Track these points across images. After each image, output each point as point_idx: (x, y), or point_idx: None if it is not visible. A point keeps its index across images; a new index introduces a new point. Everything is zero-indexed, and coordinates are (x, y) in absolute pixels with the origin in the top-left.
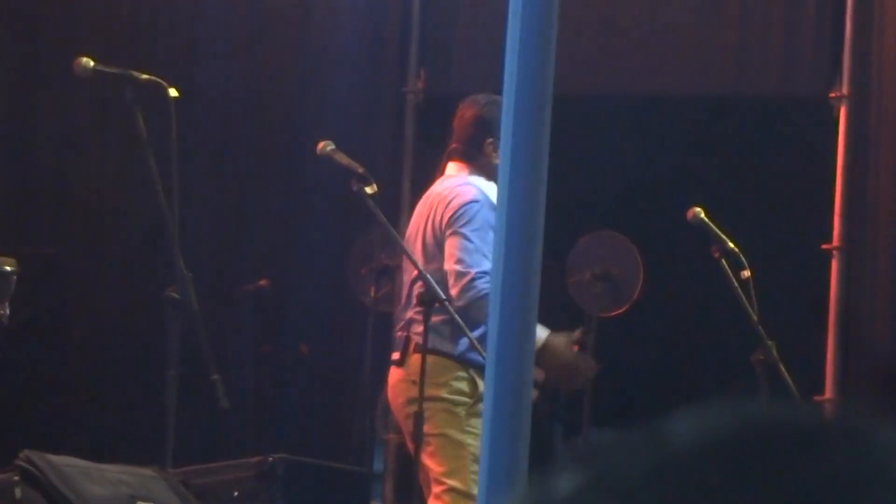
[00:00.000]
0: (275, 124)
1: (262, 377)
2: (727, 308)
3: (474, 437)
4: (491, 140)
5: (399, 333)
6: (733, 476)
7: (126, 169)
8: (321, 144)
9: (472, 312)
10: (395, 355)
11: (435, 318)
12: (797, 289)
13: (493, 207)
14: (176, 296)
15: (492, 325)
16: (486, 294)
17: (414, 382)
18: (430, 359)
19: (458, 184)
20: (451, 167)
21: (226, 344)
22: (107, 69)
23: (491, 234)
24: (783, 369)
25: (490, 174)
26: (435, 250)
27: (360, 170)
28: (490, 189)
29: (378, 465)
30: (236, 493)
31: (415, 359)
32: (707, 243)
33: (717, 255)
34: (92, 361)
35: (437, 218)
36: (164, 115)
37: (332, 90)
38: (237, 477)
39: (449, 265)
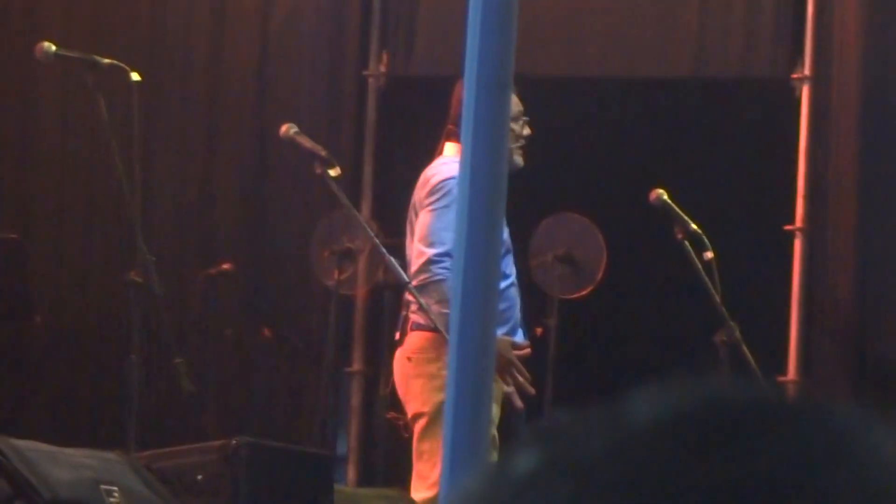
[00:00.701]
0: (237, 107)
1: (225, 361)
2: (690, 289)
3: None
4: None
5: (402, 313)
6: (691, 453)
7: (88, 153)
8: (284, 127)
9: (427, 294)
10: (397, 335)
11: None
12: (760, 270)
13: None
14: (139, 280)
15: (454, 307)
16: (440, 278)
17: (409, 359)
18: (425, 335)
19: (443, 162)
20: (448, 147)
21: (189, 328)
22: (68, 54)
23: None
24: (746, 350)
25: None
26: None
27: (323, 153)
28: None
29: (342, 448)
30: (200, 477)
31: (410, 336)
32: (670, 225)
33: (679, 236)
34: (55, 346)
35: (417, 196)
36: (126, 100)
37: (294, 73)
38: (200, 461)
39: (414, 243)
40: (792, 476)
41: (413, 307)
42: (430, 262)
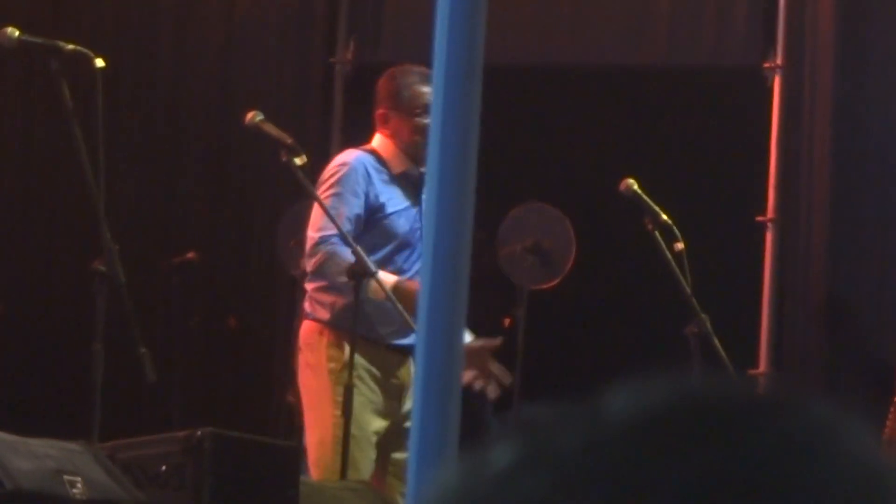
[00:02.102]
0: (202, 94)
1: (189, 351)
2: (660, 281)
3: (337, 405)
4: (381, 111)
5: None
6: (668, 448)
7: (51, 140)
8: (249, 115)
9: (326, 274)
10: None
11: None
12: (731, 261)
13: (365, 171)
14: (102, 269)
15: (422, 299)
16: (331, 251)
17: (300, 349)
18: (308, 324)
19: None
20: (375, 137)
21: (153, 317)
22: (32, 39)
23: (353, 199)
24: (717, 342)
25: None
26: None
27: (289, 141)
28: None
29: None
30: (163, 468)
31: (302, 326)
32: (640, 215)
33: (649, 227)
34: (17, 335)
35: None
36: (90, 86)
37: (259, 60)
38: (164, 451)
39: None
40: (767, 471)
41: (307, 296)
42: (317, 243)
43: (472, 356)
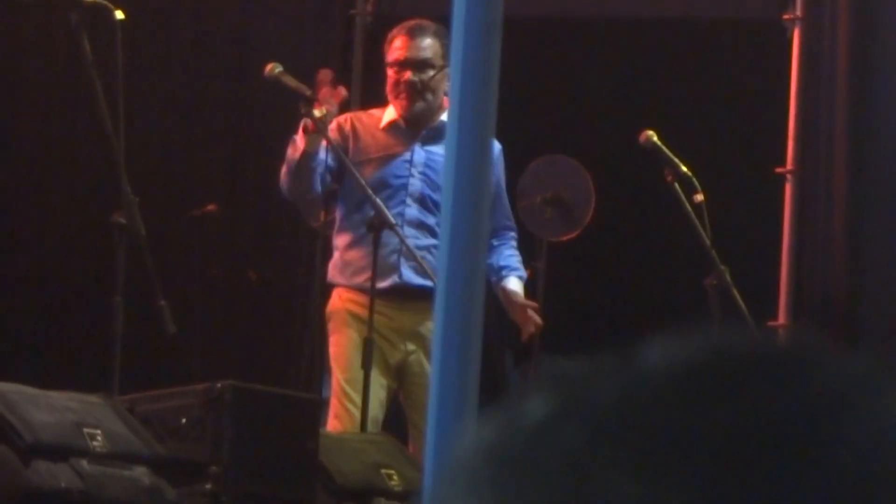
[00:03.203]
0: (221, 46)
1: (209, 303)
2: (680, 232)
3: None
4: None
5: None
6: (704, 401)
7: (71, 93)
8: (269, 66)
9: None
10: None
11: None
12: (750, 213)
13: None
14: (122, 221)
15: (441, 253)
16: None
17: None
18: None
19: None
20: None
21: (173, 270)
22: None
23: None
24: (736, 294)
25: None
26: None
27: (308, 92)
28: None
29: (326, 392)
30: (184, 420)
31: None
32: (659, 167)
33: (669, 178)
34: (38, 288)
35: None
36: (110, 38)
37: (279, 12)
38: (184, 404)
39: None
40: (804, 424)
41: None
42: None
43: (519, 310)
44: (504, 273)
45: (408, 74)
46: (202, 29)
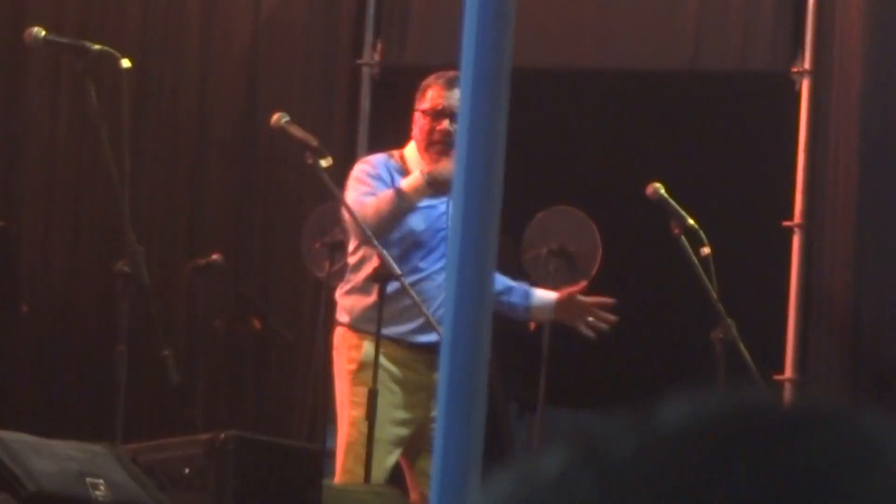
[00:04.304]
0: (228, 96)
1: (213, 353)
2: (686, 285)
3: (355, 405)
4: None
5: None
6: (718, 458)
7: (77, 141)
8: (275, 116)
9: (365, 224)
10: None
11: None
12: (757, 266)
13: (385, 170)
14: (127, 270)
15: (448, 303)
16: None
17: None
18: (338, 330)
19: None
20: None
21: (177, 319)
22: (58, 39)
23: (381, 186)
24: (742, 347)
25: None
26: None
27: (315, 143)
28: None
29: (330, 443)
30: (187, 471)
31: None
32: (666, 220)
33: (676, 231)
34: (42, 336)
35: None
36: (116, 87)
37: (286, 62)
38: (188, 454)
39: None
40: (816, 483)
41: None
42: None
43: (563, 307)
44: (515, 293)
45: (444, 124)
46: (208, 78)
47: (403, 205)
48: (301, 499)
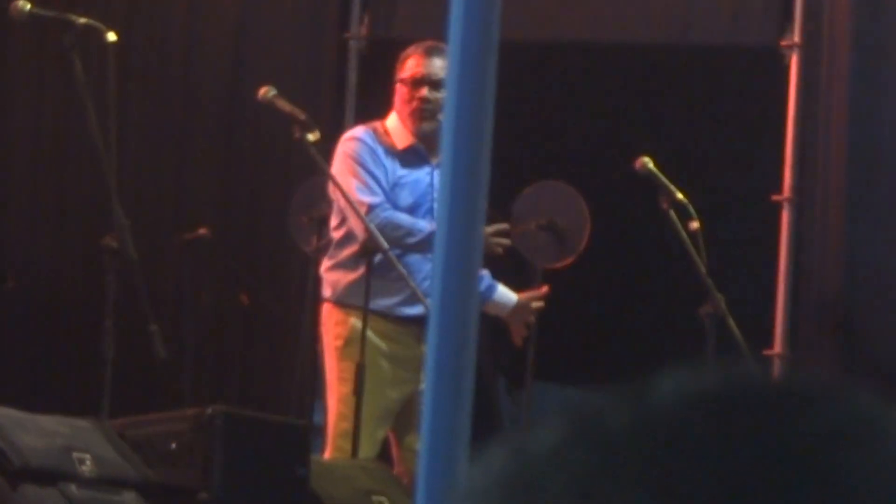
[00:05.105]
0: (214, 69)
1: (200, 328)
2: (675, 260)
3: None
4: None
5: None
6: (716, 432)
7: (63, 115)
8: (262, 90)
9: (388, 241)
10: None
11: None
12: (746, 241)
13: (371, 144)
14: (114, 244)
15: (435, 277)
16: (388, 218)
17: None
18: (325, 307)
19: None
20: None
21: (164, 294)
22: (43, 13)
23: (377, 169)
24: (732, 322)
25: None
26: None
27: (302, 116)
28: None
29: (318, 418)
30: (173, 445)
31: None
32: (655, 194)
33: (665, 205)
34: (28, 311)
35: None
36: (102, 60)
37: (273, 35)
38: (174, 429)
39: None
40: (811, 456)
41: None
42: (371, 209)
43: (518, 311)
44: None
45: (423, 92)
46: (195, 51)
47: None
48: (289, 474)
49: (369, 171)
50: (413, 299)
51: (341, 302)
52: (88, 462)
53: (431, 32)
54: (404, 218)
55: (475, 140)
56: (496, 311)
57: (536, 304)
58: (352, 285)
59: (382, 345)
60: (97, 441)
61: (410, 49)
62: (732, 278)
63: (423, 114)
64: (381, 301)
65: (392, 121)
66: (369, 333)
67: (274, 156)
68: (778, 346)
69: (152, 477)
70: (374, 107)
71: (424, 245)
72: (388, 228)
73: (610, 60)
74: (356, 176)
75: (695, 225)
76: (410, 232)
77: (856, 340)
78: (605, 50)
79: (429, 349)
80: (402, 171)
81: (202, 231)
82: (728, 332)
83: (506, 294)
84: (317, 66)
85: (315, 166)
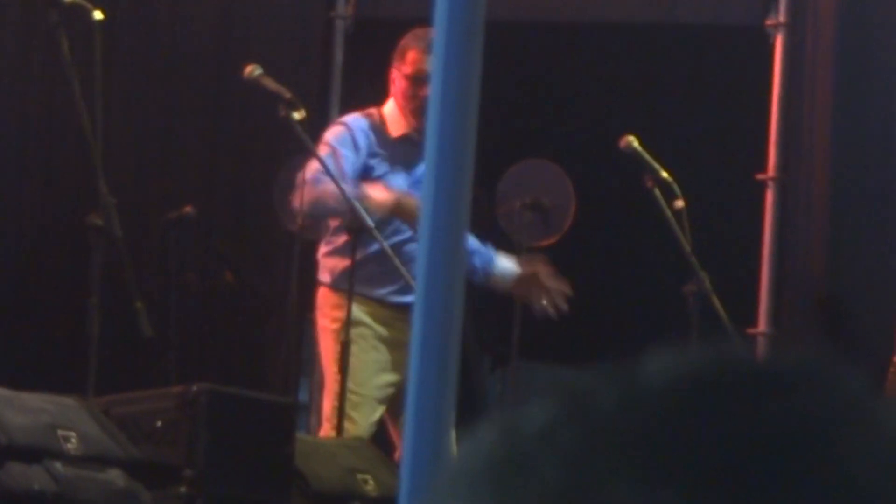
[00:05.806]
0: (200, 48)
1: (185, 306)
2: (660, 238)
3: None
4: (390, 72)
5: None
6: (705, 410)
7: (49, 93)
8: (248, 69)
9: (314, 207)
10: None
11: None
12: (731, 219)
13: (361, 132)
14: (99, 222)
15: (420, 255)
16: (313, 181)
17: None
18: (320, 290)
19: None
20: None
21: (149, 272)
22: None
23: (349, 153)
24: (716, 301)
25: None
26: None
27: (288, 95)
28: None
29: (303, 396)
30: (159, 423)
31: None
32: (640, 172)
33: (649, 184)
34: (12, 288)
35: None
36: (89, 38)
37: (259, 14)
38: (160, 407)
39: None
40: (800, 437)
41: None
42: (308, 181)
43: (523, 281)
44: (478, 255)
45: (426, 90)
46: (181, 30)
47: (347, 206)
48: (274, 452)
49: (335, 147)
50: (408, 288)
51: (337, 287)
52: (74, 440)
53: (417, 12)
54: (329, 183)
55: (461, 119)
56: (500, 285)
57: (543, 270)
58: (347, 270)
59: (380, 329)
60: (82, 419)
61: (410, 39)
62: (717, 257)
63: (426, 113)
64: (378, 289)
65: (389, 108)
66: (367, 318)
67: (259, 134)
68: (762, 325)
69: (137, 455)
70: (360, 86)
71: (340, 205)
72: (310, 190)
73: (595, 39)
74: (323, 149)
75: (679, 203)
76: (325, 190)
77: (839, 319)
78: (590, 29)
79: (414, 329)
80: (384, 168)
81: (188, 209)
82: (712, 311)
83: (507, 265)
84: (303, 44)
85: (300, 145)
